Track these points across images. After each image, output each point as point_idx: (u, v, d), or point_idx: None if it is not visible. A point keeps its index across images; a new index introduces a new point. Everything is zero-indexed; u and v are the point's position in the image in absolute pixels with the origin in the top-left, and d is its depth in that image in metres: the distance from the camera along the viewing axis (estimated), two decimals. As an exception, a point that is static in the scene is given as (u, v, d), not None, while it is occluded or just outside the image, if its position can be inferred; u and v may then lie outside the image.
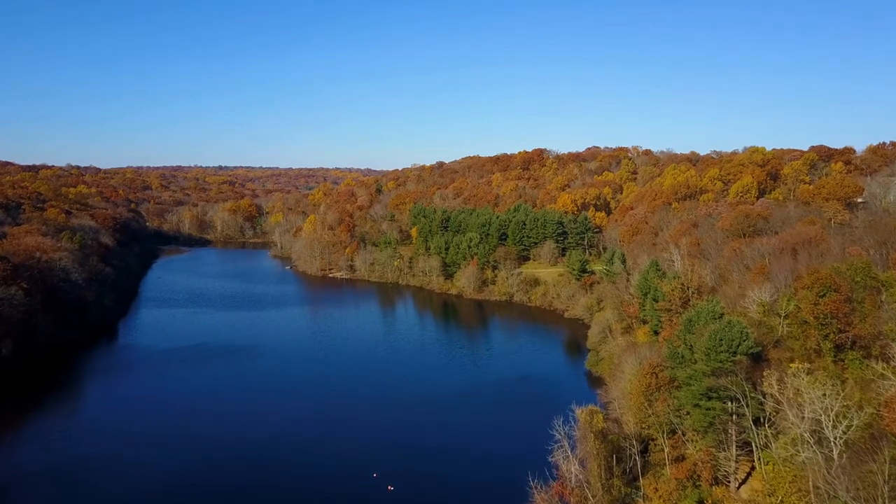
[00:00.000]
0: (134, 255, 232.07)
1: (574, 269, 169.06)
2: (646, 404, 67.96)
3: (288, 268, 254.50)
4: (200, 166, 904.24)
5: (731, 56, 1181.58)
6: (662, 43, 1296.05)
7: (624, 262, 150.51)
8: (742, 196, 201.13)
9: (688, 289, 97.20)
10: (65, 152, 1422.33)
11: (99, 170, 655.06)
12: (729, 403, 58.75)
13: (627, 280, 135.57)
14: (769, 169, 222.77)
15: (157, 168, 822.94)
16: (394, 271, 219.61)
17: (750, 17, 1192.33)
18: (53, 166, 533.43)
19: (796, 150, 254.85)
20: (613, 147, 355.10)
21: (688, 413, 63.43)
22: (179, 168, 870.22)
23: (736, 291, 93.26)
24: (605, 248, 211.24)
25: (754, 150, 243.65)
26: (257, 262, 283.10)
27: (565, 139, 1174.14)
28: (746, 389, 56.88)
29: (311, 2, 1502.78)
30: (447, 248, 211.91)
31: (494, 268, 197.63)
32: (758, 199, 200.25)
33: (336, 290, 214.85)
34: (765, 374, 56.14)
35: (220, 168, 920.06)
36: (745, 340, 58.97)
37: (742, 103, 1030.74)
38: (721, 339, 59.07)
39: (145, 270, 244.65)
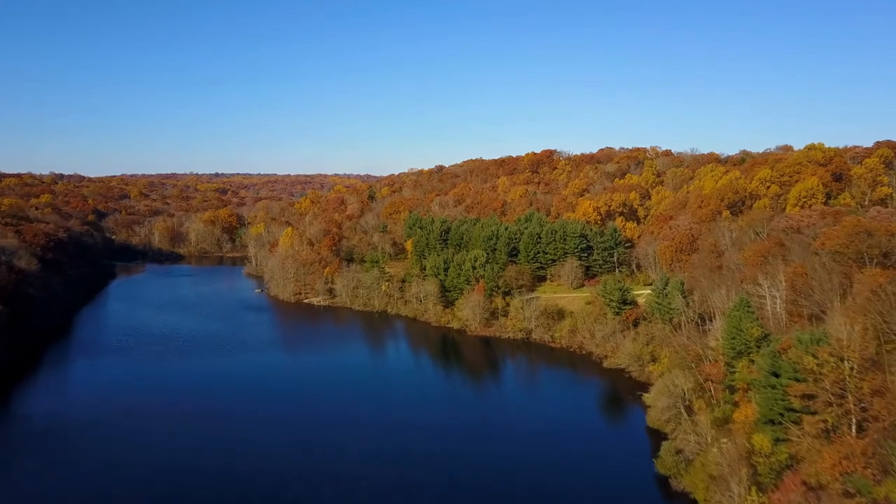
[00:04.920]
0: (71, 280, 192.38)
1: (612, 301, 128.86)
2: None
3: (259, 291, 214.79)
4: (195, 173, 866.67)
5: (735, 54, 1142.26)
6: (667, 39, 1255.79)
7: (684, 293, 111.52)
8: (806, 201, 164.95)
9: (844, 361, 58.66)
10: (61, 160, 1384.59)
11: (83, 177, 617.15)
12: None
13: (698, 324, 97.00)
14: (832, 169, 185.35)
15: (150, 175, 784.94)
16: (381, 297, 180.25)
17: (752, 15, 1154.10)
18: (23, 174, 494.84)
19: (859, 147, 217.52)
20: (630, 147, 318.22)
21: None
22: (173, 175, 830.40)
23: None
24: (638, 266, 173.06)
25: (811, 147, 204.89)
26: (227, 283, 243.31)
27: (571, 140, 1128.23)
28: None
29: (310, 3, 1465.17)
30: (446, 269, 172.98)
31: (506, 293, 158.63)
32: (824, 204, 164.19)
33: (311, 324, 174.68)
34: None
35: (216, 175, 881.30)
36: None
37: (753, 102, 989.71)
38: None
39: (90, 296, 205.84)
